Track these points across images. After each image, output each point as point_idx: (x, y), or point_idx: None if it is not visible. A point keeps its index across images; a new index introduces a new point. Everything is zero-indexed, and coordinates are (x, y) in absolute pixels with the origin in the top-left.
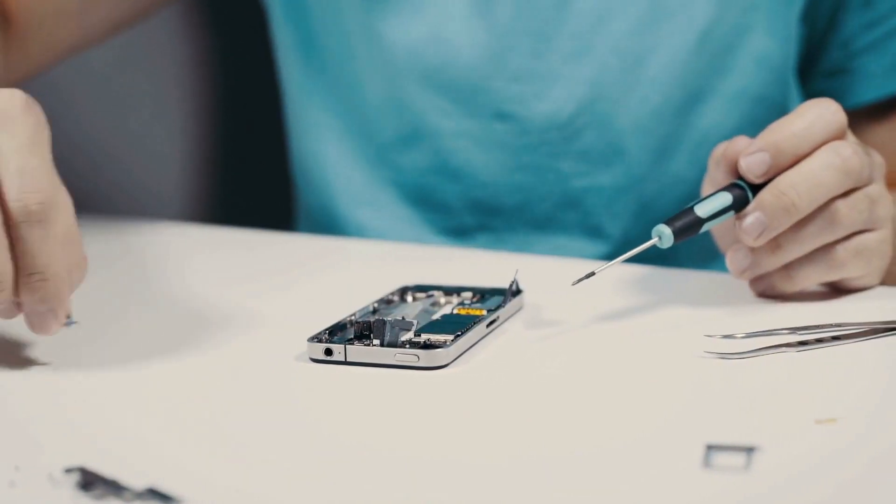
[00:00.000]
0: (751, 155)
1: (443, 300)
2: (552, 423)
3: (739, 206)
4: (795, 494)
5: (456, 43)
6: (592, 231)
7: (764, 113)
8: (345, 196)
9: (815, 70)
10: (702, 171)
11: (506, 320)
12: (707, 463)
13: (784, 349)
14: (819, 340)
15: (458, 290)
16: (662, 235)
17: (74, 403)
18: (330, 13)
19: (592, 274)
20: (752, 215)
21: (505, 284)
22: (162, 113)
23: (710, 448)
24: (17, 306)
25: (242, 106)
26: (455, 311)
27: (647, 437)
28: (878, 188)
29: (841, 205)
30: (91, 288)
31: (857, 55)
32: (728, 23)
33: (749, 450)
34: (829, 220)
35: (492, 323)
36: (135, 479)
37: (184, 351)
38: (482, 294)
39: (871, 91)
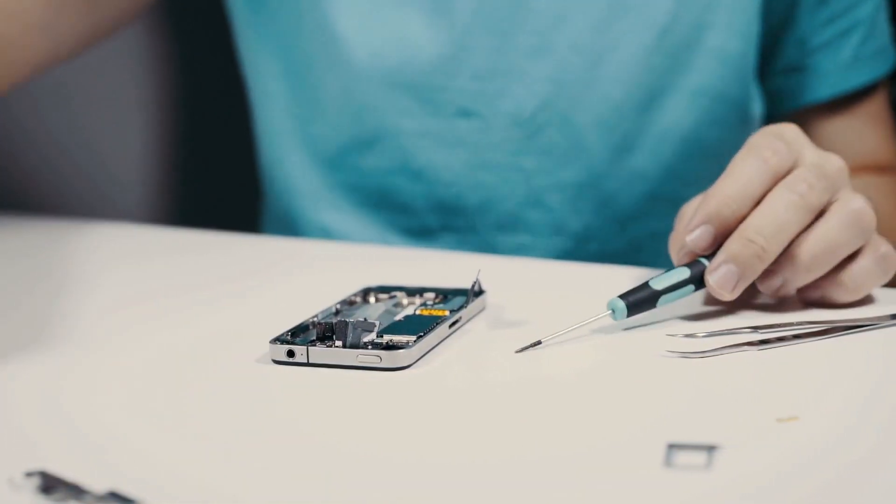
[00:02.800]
0: (693, 231)
1: (405, 301)
2: (514, 423)
3: (698, 279)
4: (757, 493)
5: (416, 42)
6: (555, 228)
7: (725, 110)
8: (307, 199)
9: (771, 68)
10: (662, 166)
11: (468, 321)
12: (668, 462)
13: (745, 348)
14: (780, 339)
15: (420, 291)
16: (616, 308)
17: (34, 406)
18: (289, 14)
19: (539, 343)
20: (723, 268)
21: (467, 285)
22: (126, 114)
23: (672, 447)
24: None
25: (211, 108)
26: (417, 312)
27: (609, 436)
28: (844, 204)
29: (803, 249)
30: (51, 289)
31: (813, 53)
32: (687, 20)
33: (710, 449)
34: (791, 262)
35: (454, 323)
36: (96, 482)
37: (145, 352)
38: (445, 295)
39: (827, 88)
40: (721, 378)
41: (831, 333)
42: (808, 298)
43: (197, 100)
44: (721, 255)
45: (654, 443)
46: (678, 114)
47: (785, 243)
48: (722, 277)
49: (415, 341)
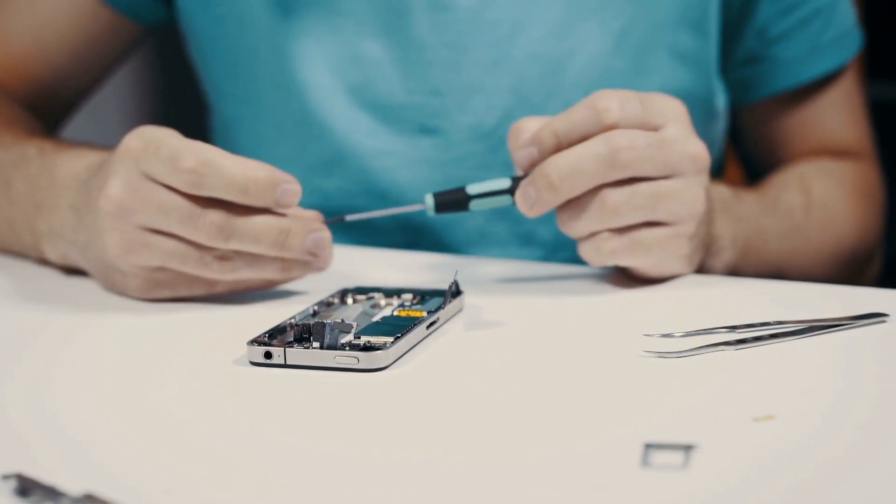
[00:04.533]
0: (521, 150)
1: (383, 302)
2: (492, 424)
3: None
4: (733, 492)
5: (373, 61)
6: (524, 239)
7: (691, 109)
8: None
9: (732, 59)
10: None
11: (446, 321)
12: (645, 462)
13: (722, 348)
14: (757, 339)
15: (398, 292)
16: (427, 204)
17: (11, 409)
18: (245, 37)
19: (343, 219)
20: (526, 188)
21: (445, 286)
22: (99, 129)
23: (649, 447)
24: None
25: (187, 120)
26: (395, 313)
27: (586, 436)
28: (678, 184)
29: (610, 194)
30: (27, 295)
31: (773, 43)
32: (645, 22)
33: (687, 448)
34: (599, 207)
35: (432, 324)
36: (72, 485)
37: (123, 356)
38: (422, 296)
39: (787, 78)
40: (698, 378)
41: (807, 333)
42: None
43: (175, 112)
44: (528, 178)
45: (632, 443)
46: None
47: (579, 188)
48: (521, 196)
49: (392, 342)
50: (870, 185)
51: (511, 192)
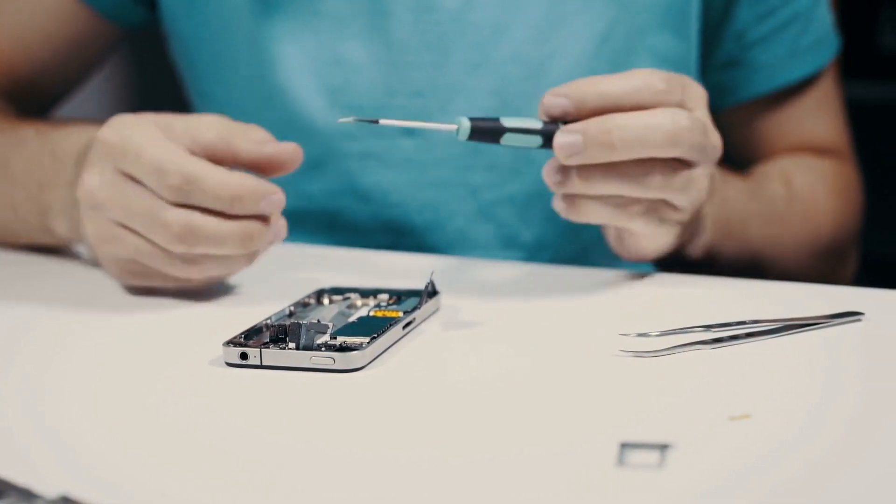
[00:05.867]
0: (554, 96)
1: (359, 302)
2: (468, 424)
3: (548, 136)
4: (709, 491)
5: (355, 63)
6: (506, 241)
7: None
8: None
9: (711, 62)
10: None
11: (422, 322)
12: (621, 461)
13: (698, 347)
14: (733, 338)
15: (374, 293)
16: (461, 127)
17: None
18: (226, 40)
19: (376, 121)
20: (573, 135)
21: (421, 286)
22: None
23: (625, 446)
24: None
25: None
26: (371, 314)
27: (562, 435)
28: (701, 172)
29: (658, 169)
30: (3, 293)
31: (751, 47)
32: (626, 24)
33: (663, 447)
34: (641, 178)
35: (408, 325)
36: (48, 486)
37: (99, 355)
38: (398, 296)
39: (765, 82)
40: (674, 377)
41: (783, 332)
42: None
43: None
44: (579, 126)
45: (607, 442)
46: None
47: (636, 155)
48: (566, 144)
49: (368, 343)
50: (849, 182)
51: (542, 134)
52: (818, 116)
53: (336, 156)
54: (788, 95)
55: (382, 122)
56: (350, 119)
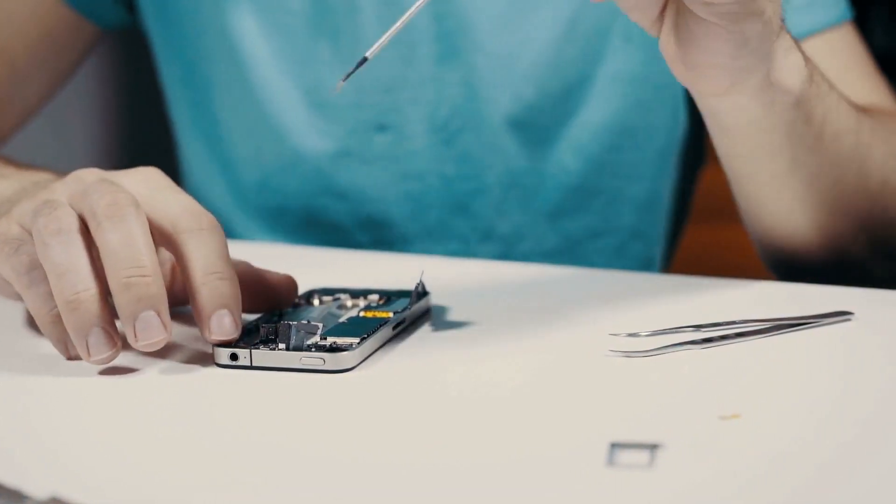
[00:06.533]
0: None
1: (349, 303)
2: (458, 424)
3: None
4: (699, 491)
5: (324, 61)
6: (484, 233)
7: (648, 92)
8: (237, 227)
9: None
10: (586, 159)
11: (412, 322)
12: (611, 461)
13: (688, 347)
14: (723, 338)
15: (364, 293)
16: None
17: None
18: (199, 44)
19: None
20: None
21: (411, 286)
22: (67, 126)
23: (614, 446)
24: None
25: (151, 122)
26: (361, 314)
27: (552, 436)
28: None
29: None
30: None
31: None
32: (595, 7)
33: (653, 447)
34: None
35: (398, 325)
36: (37, 488)
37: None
38: (388, 296)
39: None
40: (664, 377)
41: (773, 331)
42: None
43: (139, 113)
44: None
45: (597, 442)
46: (598, 103)
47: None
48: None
49: (358, 343)
50: None
51: None
52: (851, 81)
53: (311, 154)
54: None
55: (369, 54)
56: (342, 82)
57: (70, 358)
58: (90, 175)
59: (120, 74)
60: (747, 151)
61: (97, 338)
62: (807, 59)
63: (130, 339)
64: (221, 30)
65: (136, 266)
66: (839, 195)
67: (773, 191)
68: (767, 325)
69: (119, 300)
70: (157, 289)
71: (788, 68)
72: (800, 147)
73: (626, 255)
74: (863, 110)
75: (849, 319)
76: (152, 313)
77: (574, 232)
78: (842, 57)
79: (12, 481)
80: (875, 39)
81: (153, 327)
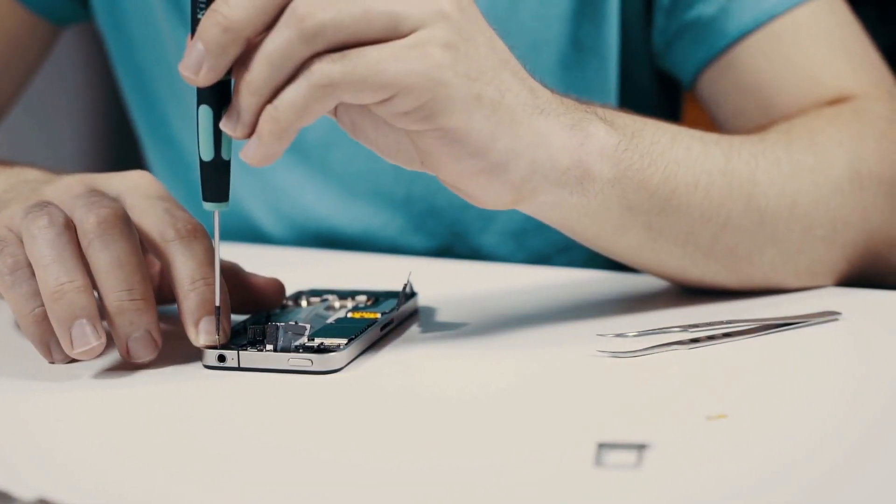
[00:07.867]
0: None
1: (337, 304)
2: (446, 425)
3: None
4: (686, 490)
5: None
6: (443, 252)
7: (558, 42)
8: None
9: (655, 47)
10: None
11: (400, 323)
12: (599, 461)
13: (676, 347)
14: (710, 338)
15: (352, 294)
16: None
17: None
18: (150, 72)
19: None
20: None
21: (398, 287)
22: (56, 122)
23: (602, 446)
24: None
25: (126, 132)
26: (349, 315)
27: (540, 436)
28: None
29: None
30: None
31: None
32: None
33: (640, 447)
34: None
35: (386, 326)
36: (25, 489)
37: (76, 361)
38: (376, 297)
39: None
40: (651, 377)
41: (760, 332)
42: None
43: (125, 110)
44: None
45: (585, 442)
46: None
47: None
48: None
49: (346, 344)
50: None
51: None
52: (817, 64)
53: (259, 174)
54: (774, 36)
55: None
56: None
57: (53, 361)
58: (79, 185)
59: (107, 70)
60: (592, 236)
61: (81, 329)
62: (627, 121)
63: (122, 354)
64: (171, 36)
65: (126, 290)
66: (736, 237)
67: (649, 258)
68: (755, 325)
69: (115, 322)
70: (148, 313)
71: (583, 148)
72: (649, 214)
73: (597, 265)
74: (756, 132)
75: (836, 319)
76: (145, 331)
77: (540, 248)
78: (807, 38)
79: (0, 483)
80: None
81: (148, 345)
